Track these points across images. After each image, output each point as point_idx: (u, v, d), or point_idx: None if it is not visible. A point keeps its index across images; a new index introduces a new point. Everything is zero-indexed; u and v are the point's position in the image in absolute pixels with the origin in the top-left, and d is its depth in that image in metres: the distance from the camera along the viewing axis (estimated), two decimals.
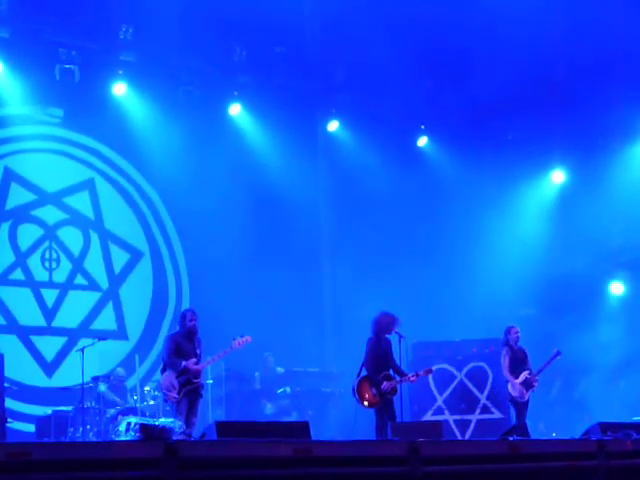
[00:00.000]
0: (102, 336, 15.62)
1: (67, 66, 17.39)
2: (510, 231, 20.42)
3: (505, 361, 14.73)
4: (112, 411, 14.78)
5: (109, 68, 18.02)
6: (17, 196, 17.70)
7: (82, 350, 14.49)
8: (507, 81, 18.69)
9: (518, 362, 14.71)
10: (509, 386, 14.67)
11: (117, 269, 18.53)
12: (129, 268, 18.69)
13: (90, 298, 18.17)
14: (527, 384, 14.55)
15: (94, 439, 14.25)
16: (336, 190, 20.17)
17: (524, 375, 14.55)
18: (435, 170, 20.72)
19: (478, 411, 16.76)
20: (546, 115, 19.57)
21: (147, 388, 15.27)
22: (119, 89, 18.11)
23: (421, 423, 15.23)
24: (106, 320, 18.15)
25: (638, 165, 19.61)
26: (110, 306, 18.33)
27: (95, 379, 15.43)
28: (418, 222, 19.43)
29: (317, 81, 19.65)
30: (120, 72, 18.01)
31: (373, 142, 20.11)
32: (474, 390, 16.93)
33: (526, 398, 14.54)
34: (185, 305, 18.44)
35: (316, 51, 18.74)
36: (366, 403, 13.15)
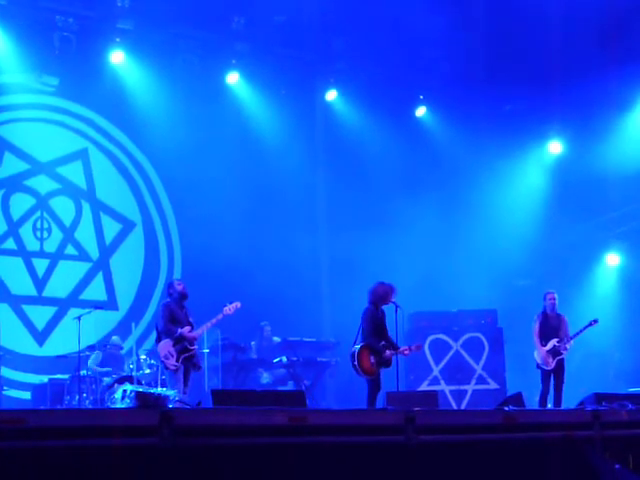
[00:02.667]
0: (95, 306, 15.58)
1: (64, 34, 17.24)
2: (507, 202, 20.39)
3: (535, 327, 14.73)
4: (108, 379, 14.79)
5: (106, 36, 17.87)
6: (10, 165, 17.65)
7: (79, 318, 14.49)
8: (505, 52, 18.65)
9: (550, 329, 14.69)
10: (535, 353, 14.67)
11: (108, 239, 18.50)
12: (120, 238, 18.65)
13: (80, 268, 18.15)
14: (555, 352, 14.52)
15: (90, 407, 14.26)
16: (334, 159, 20.08)
17: (552, 343, 14.53)
18: (433, 140, 20.65)
19: (474, 381, 16.82)
20: (544, 86, 19.51)
21: (143, 357, 15.27)
22: (116, 57, 17.97)
23: (417, 393, 15.25)
24: (96, 290, 18.15)
25: (634, 136, 19.55)
26: (100, 276, 18.30)
27: (91, 348, 15.44)
28: (415, 192, 19.37)
29: (315, 50, 19.55)
30: (117, 40, 17.87)
31: (371, 112, 20.02)
32: (470, 361, 16.98)
33: (551, 366, 14.48)
34: (177, 275, 18.38)
35: (315, 20, 18.65)
36: (363, 371, 13.15)
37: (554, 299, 14.80)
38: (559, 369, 14.54)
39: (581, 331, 14.75)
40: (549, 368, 14.47)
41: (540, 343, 14.58)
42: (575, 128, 20.61)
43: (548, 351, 14.48)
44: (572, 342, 14.66)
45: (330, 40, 19.51)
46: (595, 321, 14.80)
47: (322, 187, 20.30)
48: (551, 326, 14.71)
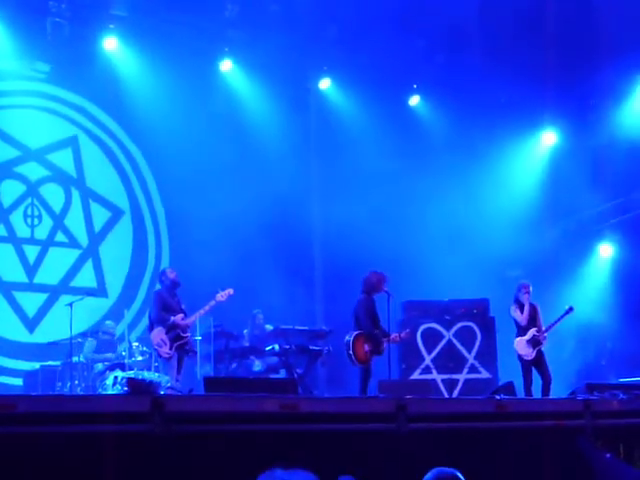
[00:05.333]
0: (85, 293, 15.56)
1: (57, 20, 17.16)
2: (500, 192, 20.35)
3: (516, 313, 14.73)
4: (100, 366, 14.76)
5: (100, 22, 17.78)
6: (0, 152, 17.59)
7: (70, 305, 14.48)
8: (499, 42, 18.61)
9: (527, 319, 14.70)
10: (515, 343, 14.69)
11: (97, 227, 18.43)
12: (109, 226, 18.58)
13: (70, 255, 18.10)
14: (534, 342, 14.54)
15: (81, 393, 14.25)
16: (327, 148, 20.02)
17: (531, 332, 14.54)
18: (426, 130, 20.60)
19: (466, 371, 16.79)
20: (538, 76, 19.47)
21: (135, 344, 15.26)
22: (110, 44, 17.86)
23: (409, 381, 15.30)
24: (86, 277, 18.08)
25: (628, 127, 19.52)
26: (90, 264, 18.23)
27: (83, 335, 15.42)
28: (408, 182, 19.34)
29: (309, 38, 19.44)
30: (111, 26, 17.79)
31: (365, 101, 19.95)
32: (462, 350, 16.95)
33: (531, 356, 14.51)
34: (165, 264, 18.33)
35: (309, 8, 18.54)
36: (358, 360, 13.20)
37: (529, 292, 14.84)
38: (540, 360, 14.56)
39: (558, 320, 14.79)
40: (529, 358, 14.50)
41: (519, 333, 14.65)
42: (570, 119, 20.60)
43: (528, 341, 14.52)
44: (549, 331, 14.73)
45: (324, 28, 19.43)
46: (571, 309, 14.84)
47: (315, 175, 20.22)
48: (527, 316, 14.74)
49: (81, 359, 15.06)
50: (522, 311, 14.72)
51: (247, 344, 16.99)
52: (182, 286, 13.68)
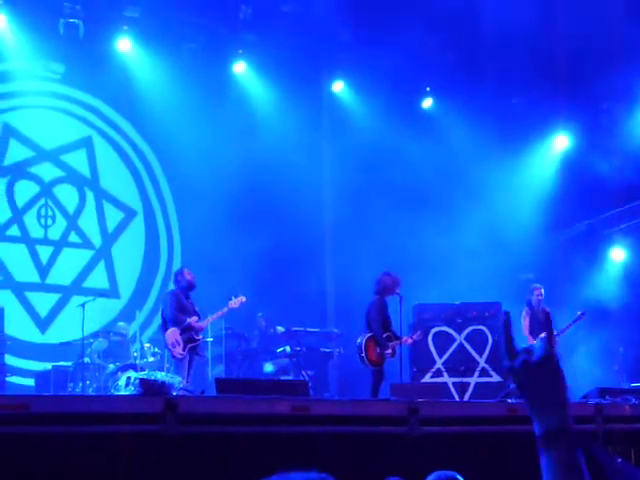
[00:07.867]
0: (97, 294, 15.59)
1: (71, 21, 17.24)
2: (512, 195, 20.34)
3: (525, 322, 14.70)
4: (112, 367, 14.78)
5: (114, 24, 17.86)
6: (15, 152, 17.63)
7: (83, 306, 14.50)
8: (513, 45, 18.60)
9: (538, 323, 14.65)
10: None
11: (110, 228, 18.47)
12: (122, 227, 18.62)
13: (83, 256, 18.14)
14: None
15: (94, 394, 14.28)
16: (339, 151, 20.03)
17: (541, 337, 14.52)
18: (439, 132, 20.57)
19: (477, 374, 16.76)
20: (551, 79, 19.48)
21: (147, 345, 15.29)
22: (123, 45, 17.95)
23: (420, 385, 15.28)
24: (98, 278, 18.12)
25: None
26: (102, 264, 18.27)
27: (95, 335, 15.45)
28: (421, 184, 19.32)
29: (323, 41, 19.47)
30: (125, 28, 17.86)
31: (378, 103, 19.96)
32: (473, 353, 16.93)
33: None
34: (177, 265, 18.30)
35: (322, 11, 18.58)
36: (370, 362, 13.22)
37: (541, 295, 14.79)
38: None
39: (570, 325, 14.73)
40: None
41: (530, 338, 14.60)
42: (582, 122, 20.58)
43: None
44: (560, 336, 14.70)
45: (337, 31, 19.45)
46: (583, 314, 14.78)
47: (327, 177, 20.24)
48: (538, 320, 14.70)
49: (89, 360, 15.09)
50: (532, 315, 14.69)
51: (258, 346, 17.04)
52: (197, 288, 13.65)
